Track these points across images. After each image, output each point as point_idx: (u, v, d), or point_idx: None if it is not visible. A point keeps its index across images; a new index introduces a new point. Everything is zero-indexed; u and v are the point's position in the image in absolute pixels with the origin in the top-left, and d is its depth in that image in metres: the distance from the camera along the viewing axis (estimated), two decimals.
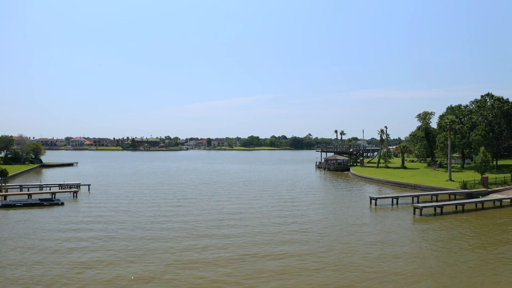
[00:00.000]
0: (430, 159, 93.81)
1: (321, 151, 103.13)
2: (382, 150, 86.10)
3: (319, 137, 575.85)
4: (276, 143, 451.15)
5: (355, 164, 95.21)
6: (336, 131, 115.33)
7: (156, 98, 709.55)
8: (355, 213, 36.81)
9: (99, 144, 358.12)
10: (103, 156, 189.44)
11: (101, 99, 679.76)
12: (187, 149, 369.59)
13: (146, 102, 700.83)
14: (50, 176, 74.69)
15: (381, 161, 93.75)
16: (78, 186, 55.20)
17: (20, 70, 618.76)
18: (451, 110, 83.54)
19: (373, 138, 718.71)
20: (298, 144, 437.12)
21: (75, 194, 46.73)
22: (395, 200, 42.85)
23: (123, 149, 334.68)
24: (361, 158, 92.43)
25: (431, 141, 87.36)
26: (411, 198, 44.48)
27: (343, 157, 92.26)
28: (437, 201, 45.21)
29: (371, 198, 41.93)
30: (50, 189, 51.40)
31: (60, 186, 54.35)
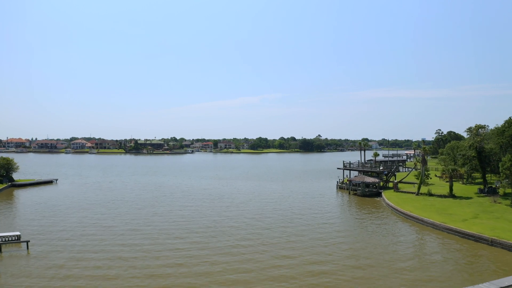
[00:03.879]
0: (467, 175, 77.07)
1: (343, 169, 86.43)
2: (422, 172, 69.10)
3: (329, 137, 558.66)
4: (285, 145, 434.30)
5: (385, 184, 78.52)
6: (360, 143, 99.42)
7: (162, 98, 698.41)
8: None
9: (101, 146, 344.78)
10: (100, 163, 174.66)
11: (106, 99, 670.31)
12: (192, 152, 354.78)
13: (152, 102, 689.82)
14: (7, 208, 59.13)
15: (415, 179, 77.43)
16: (18, 238, 39.41)
17: (21, 71, 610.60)
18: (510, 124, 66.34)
19: (383, 139, 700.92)
20: (308, 146, 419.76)
21: None
22: None
23: (126, 152, 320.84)
24: (395, 181, 75.50)
25: (484, 162, 70.34)
26: None
27: (373, 178, 75.46)
28: None
29: None
30: None
31: None
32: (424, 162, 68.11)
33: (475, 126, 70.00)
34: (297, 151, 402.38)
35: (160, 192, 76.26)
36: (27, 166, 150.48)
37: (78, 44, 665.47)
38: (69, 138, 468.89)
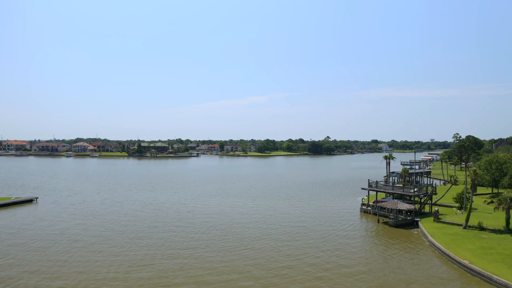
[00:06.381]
0: None
1: (369, 189, 74.28)
2: (471, 200, 56.57)
3: (337, 139, 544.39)
4: (293, 147, 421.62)
5: (421, 208, 66.16)
6: (385, 157, 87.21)
7: (169, 97, 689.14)
8: None
9: (103, 149, 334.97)
10: (99, 170, 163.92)
11: (112, 99, 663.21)
12: (197, 155, 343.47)
13: (159, 102, 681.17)
14: None
15: (453, 201, 65.00)
16: None
17: (20, 71, 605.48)
18: None
19: (393, 140, 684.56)
20: (316, 148, 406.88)
21: None
22: None
23: (129, 156, 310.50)
24: (436, 208, 63.04)
25: None
26: None
27: (407, 204, 63.22)
28: None
29: None
30: None
31: None
32: (474, 188, 55.64)
33: None
34: (306, 154, 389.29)
35: (150, 223, 62.91)
36: (16, 176, 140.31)
37: (81, 44, 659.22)
38: (74, 139, 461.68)
